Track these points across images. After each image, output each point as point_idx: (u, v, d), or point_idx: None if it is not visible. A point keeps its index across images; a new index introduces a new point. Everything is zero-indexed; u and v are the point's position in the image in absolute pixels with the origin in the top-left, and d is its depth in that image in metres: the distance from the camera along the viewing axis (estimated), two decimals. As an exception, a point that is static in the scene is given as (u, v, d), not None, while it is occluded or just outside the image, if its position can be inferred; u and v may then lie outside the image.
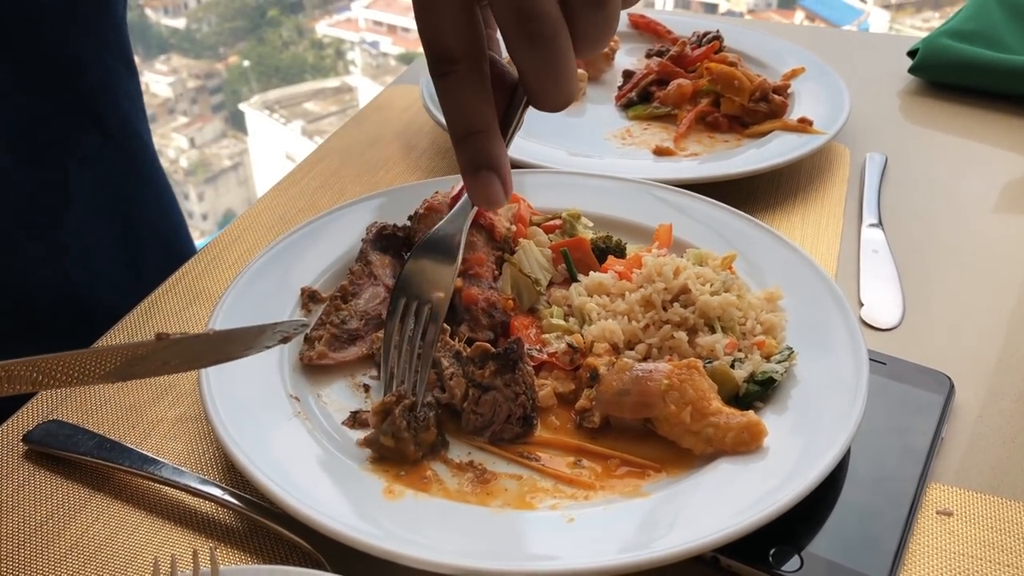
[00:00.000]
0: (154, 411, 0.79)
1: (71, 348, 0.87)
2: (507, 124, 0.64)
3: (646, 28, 1.46)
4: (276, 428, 0.73)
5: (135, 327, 0.89)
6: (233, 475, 0.73)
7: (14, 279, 0.97)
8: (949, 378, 0.80)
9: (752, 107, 1.20)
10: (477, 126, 0.61)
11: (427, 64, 0.61)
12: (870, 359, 0.77)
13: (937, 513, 0.71)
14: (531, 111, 0.64)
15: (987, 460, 0.76)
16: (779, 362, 0.77)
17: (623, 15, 1.48)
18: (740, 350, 0.79)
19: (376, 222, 0.93)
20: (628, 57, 1.40)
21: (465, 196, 0.73)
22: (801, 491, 0.65)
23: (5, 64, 0.91)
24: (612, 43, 1.38)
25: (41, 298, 1.01)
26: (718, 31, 1.35)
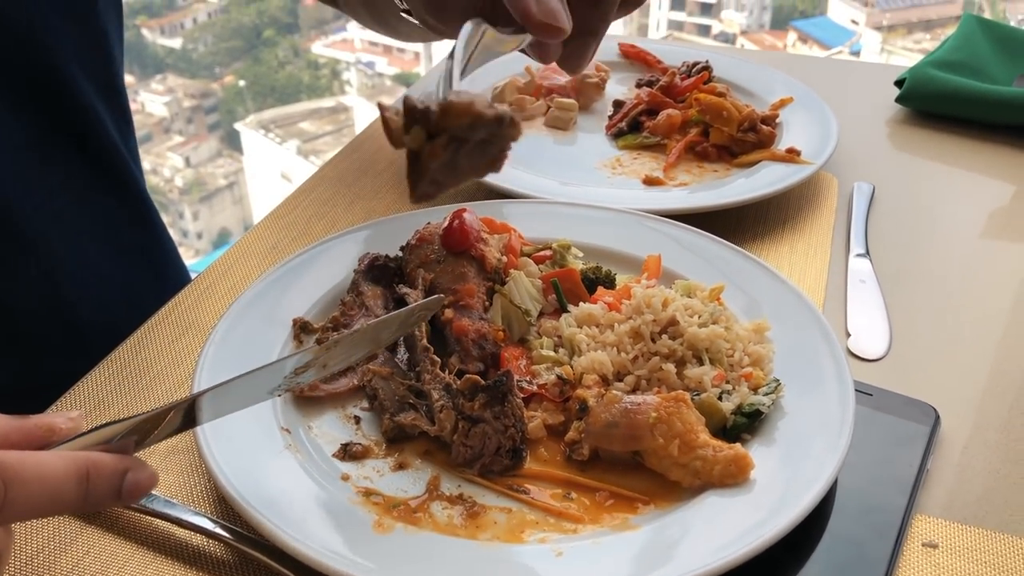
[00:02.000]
0: (146, 443, 0.80)
1: (59, 367, 0.88)
2: None
3: (636, 58, 1.48)
4: (267, 461, 0.73)
5: (126, 358, 0.90)
6: (224, 508, 0.74)
7: (4, 295, 0.98)
8: (935, 409, 0.81)
9: (741, 137, 1.21)
10: None
11: None
12: (856, 390, 0.78)
13: (923, 545, 0.71)
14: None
15: (972, 492, 0.76)
16: (766, 394, 0.78)
17: (614, 45, 1.50)
18: (728, 382, 0.80)
19: (368, 253, 0.94)
20: (618, 87, 1.42)
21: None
22: (788, 524, 0.66)
23: None
24: (602, 73, 1.39)
25: (30, 315, 1.01)
26: (707, 61, 1.37)
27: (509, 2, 0.63)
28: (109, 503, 0.57)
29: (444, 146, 0.52)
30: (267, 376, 0.61)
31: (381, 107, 0.53)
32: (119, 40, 1.07)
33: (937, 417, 0.80)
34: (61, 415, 0.59)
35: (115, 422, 0.57)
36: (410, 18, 0.87)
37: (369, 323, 0.63)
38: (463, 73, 0.61)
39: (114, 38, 1.05)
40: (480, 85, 1.35)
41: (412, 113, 0.52)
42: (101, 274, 1.08)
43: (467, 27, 0.64)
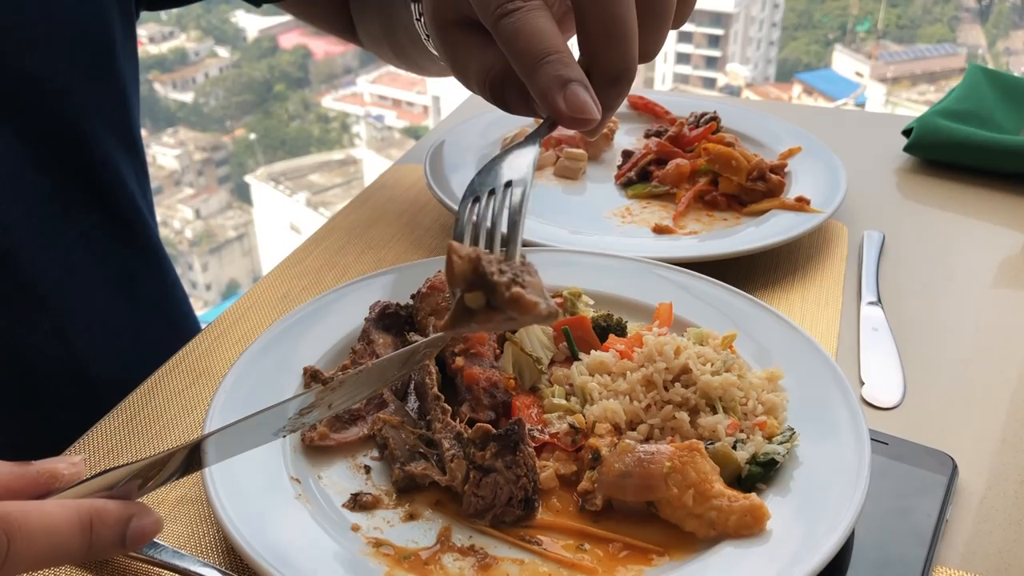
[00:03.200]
0: (154, 493, 0.78)
1: (73, 420, 0.88)
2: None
3: (645, 109, 1.49)
4: (277, 511, 0.73)
5: (137, 407, 0.90)
6: (234, 559, 0.73)
7: (16, 349, 0.98)
8: (952, 458, 0.80)
9: (750, 186, 1.21)
10: (556, 48, 0.62)
11: (487, 12, 0.63)
12: (872, 439, 0.77)
13: (944, 598, 0.70)
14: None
15: (993, 543, 0.75)
16: (781, 443, 0.77)
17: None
18: (742, 431, 0.79)
19: (379, 301, 0.94)
20: (627, 137, 1.43)
21: (534, 126, 0.68)
22: (805, 575, 0.65)
23: (13, 136, 0.93)
24: (611, 124, 1.40)
25: (44, 370, 1.01)
26: (715, 112, 1.38)
27: (540, 101, 0.64)
28: (113, 551, 0.56)
29: (498, 320, 0.57)
30: (272, 418, 0.60)
31: (453, 248, 0.56)
32: (136, 93, 1.09)
33: (955, 466, 0.79)
34: (63, 460, 0.58)
35: (118, 467, 0.57)
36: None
37: (373, 362, 0.63)
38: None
39: (132, 92, 1.07)
40: (492, 135, 1.37)
41: (479, 282, 0.56)
42: (114, 327, 1.08)
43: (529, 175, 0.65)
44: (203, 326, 1.07)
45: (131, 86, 1.06)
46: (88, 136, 1.00)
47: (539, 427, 0.82)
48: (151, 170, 1.22)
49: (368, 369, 0.62)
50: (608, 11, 0.63)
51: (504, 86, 0.70)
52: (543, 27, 0.63)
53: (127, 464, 0.57)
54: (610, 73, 0.65)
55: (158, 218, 1.26)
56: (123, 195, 1.07)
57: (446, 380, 0.87)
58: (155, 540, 0.72)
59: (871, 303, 1.05)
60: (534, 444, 0.79)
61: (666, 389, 0.82)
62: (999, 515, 0.78)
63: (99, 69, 1.00)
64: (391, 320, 0.93)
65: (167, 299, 1.20)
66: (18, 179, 0.94)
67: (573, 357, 0.90)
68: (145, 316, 1.14)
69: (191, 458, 0.59)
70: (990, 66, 1.60)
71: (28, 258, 0.96)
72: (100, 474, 0.56)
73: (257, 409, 0.62)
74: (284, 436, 0.62)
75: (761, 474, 0.75)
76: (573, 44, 0.68)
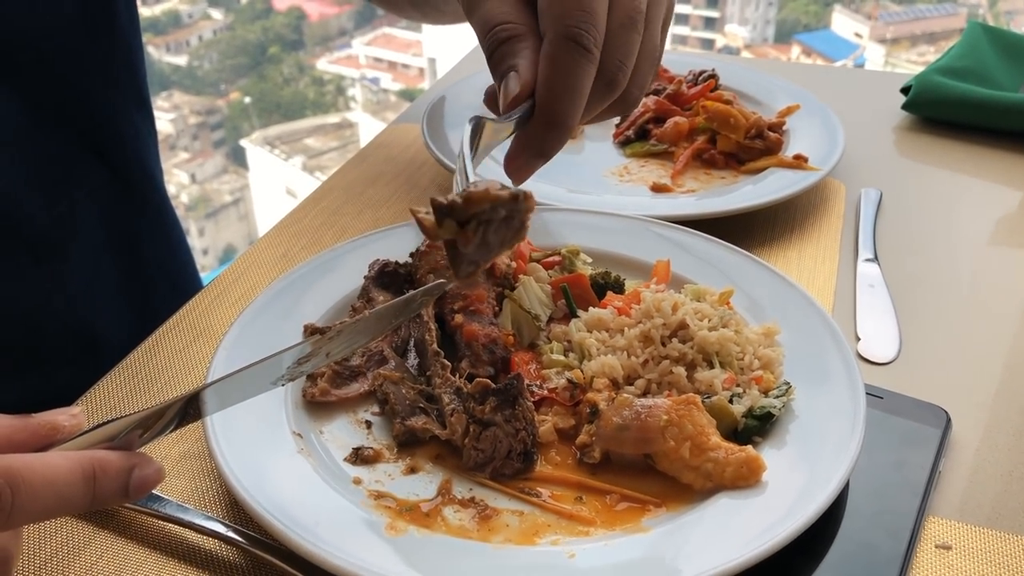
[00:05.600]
0: (158, 448, 0.80)
1: (75, 379, 0.89)
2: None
3: (643, 66, 1.48)
4: (279, 465, 0.74)
5: (139, 365, 0.90)
6: (237, 512, 0.74)
7: (20, 308, 0.98)
8: (946, 412, 0.81)
9: (748, 144, 1.21)
10: (577, 118, 0.65)
11: (559, 21, 0.64)
12: (867, 393, 0.78)
13: (936, 547, 0.71)
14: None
15: (985, 494, 0.76)
16: (777, 397, 0.78)
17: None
18: (738, 385, 0.80)
19: (378, 259, 0.94)
20: (625, 95, 1.42)
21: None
22: (800, 526, 0.66)
23: (16, 97, 0.92)
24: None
25: (47, 328, 1.02)
26: (714, 70, 1.38)
27: (536, 136, 0.69)
28: (117, 501, 0.57)
29: (474, 230, 0.59)
30: (270, 367, 0.61)
31: (413, 211, 0.60)
32: (140, 50, 1.08)
33: (948, 419, 0.80)
34: (64, 412, 0.59)
35: (119, 418, 0.57)
36: None
37: (370, 311, 0.64)
38: (474, 162, 0.67)
39: (136, 50, 1.06)
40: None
41: (440, 209, 0.59)
42: (118, 287, 1.09)
43: (467, 127, 0.68)
44: (203, 286, 1.08)
45: (135, 42, 1.06)
46: (91, 94, 1.00)
47: (538, 382, 0.83)
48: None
49: (365, 318, 0.62)
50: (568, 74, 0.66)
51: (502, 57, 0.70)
52: (586, 88, 0.66)
53: (128, 415, 0.58)
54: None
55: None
56: (128, 154, 1.07)
57: (445, 337, 0.88)
58: (159, 494, 0.73)
59: (868, 260, 1.06)
60: (533, 399, 0.79)
61: (663, 344, 0.83)
62: (992, 467, 0.79)
63: (97, 24, 0.99)
64: (390, 278, 0.93)
65: (171, 260, 1.20)
66: (21, 139, 0.94)
67: (571, 314, 0.91)
68: (149, 277, 1.14)
69: (191, 407, 0.60)
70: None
71: (31, 218, 0.96)
72: (100, 425, 0.57)
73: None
74: (283, 385, 0.62)
75: (757, 427, 0.76)
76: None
